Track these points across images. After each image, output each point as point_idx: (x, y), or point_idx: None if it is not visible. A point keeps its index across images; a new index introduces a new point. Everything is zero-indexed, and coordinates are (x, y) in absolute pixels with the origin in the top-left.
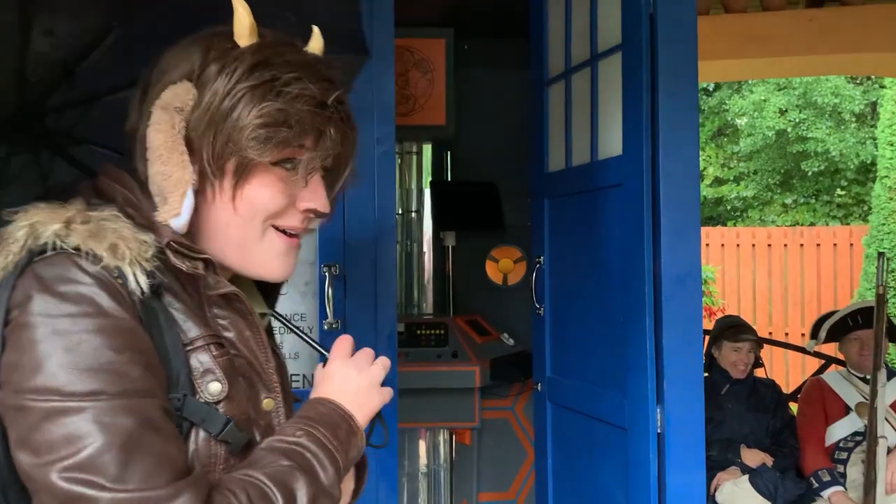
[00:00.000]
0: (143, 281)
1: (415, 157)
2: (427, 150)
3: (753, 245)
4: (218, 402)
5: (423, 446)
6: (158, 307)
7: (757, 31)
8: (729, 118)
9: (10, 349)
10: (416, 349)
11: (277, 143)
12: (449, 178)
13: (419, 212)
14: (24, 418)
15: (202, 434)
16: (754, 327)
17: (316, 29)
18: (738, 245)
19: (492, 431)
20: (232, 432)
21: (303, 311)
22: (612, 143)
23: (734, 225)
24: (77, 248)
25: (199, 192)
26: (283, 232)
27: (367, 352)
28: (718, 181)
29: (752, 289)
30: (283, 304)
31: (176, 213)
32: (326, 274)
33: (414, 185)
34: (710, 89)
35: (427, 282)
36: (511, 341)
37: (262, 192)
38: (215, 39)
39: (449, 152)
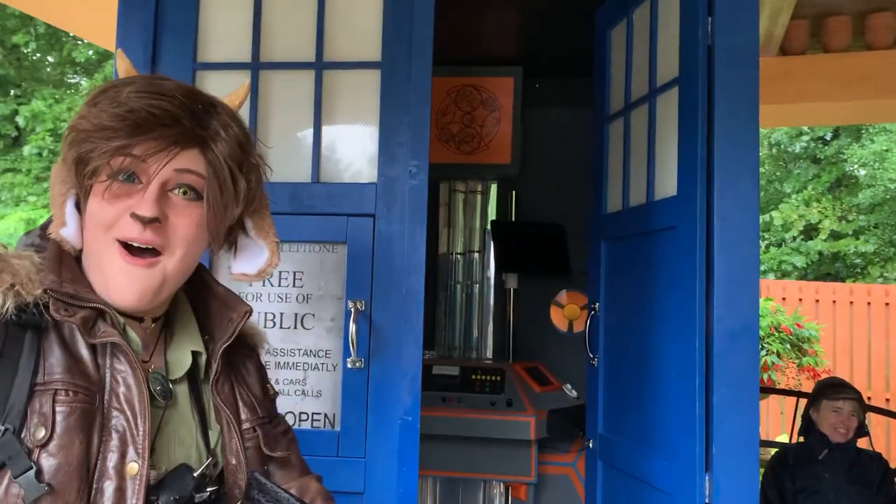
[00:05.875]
0: (11, 309)
1: (479, 196)
2: (493, 189)
3: (869, 303)
4: (42, 447)
5: (479, 499)
6: (29, 341)
7: (860, 71)
8: (847, 168)
9: None
10: (470, 395)
11: (102, 145)
12: (514, 219)
13: (482, 252)
14: None
15: (9, 473)
16: (868, 393)
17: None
18: (851, 302)
19: (551, 488)
20: (27, 480)
21: (328, 348)
22: (668, 183)
23: (853, 282)
24: None
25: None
26: (128, 249)
27: None
28: (835, 235)
29: (867, 351)
30: (308, 340)
31: (62, 224)
32: (352, 310)
33: (478, 225)
34: (828, 138)
35: (486, 325)
36: (574, 393)
37: (95, 202)
38: None
39: (514, 192)
